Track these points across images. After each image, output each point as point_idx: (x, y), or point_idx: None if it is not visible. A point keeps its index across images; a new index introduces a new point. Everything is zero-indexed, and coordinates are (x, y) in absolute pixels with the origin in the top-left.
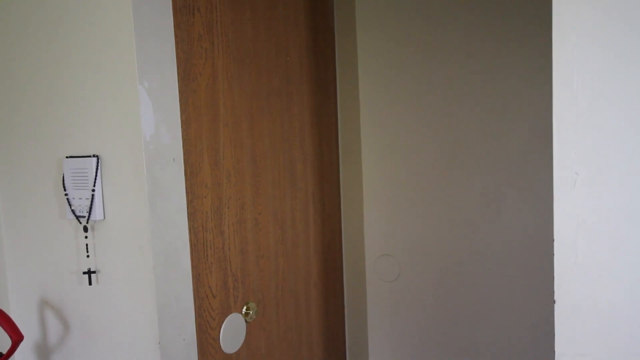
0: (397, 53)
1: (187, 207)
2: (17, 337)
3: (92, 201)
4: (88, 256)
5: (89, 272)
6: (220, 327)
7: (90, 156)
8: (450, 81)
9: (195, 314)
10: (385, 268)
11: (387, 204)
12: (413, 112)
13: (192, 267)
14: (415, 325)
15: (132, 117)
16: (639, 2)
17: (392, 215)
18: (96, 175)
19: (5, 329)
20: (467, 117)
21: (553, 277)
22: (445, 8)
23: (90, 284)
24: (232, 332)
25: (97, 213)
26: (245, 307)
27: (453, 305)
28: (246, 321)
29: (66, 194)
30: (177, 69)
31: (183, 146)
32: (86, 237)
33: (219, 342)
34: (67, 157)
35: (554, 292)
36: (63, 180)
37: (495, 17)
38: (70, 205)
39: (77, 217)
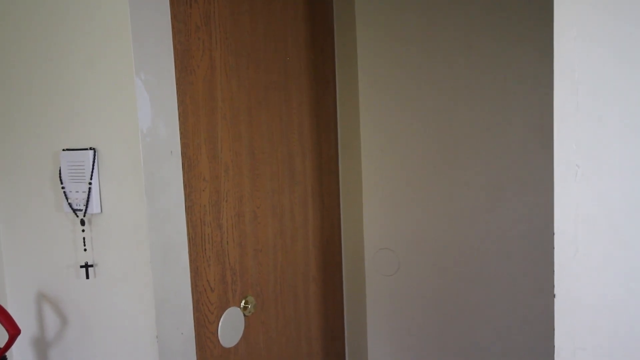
0: (396, 47)
1: (185, 201)
2: (14, 331)
3: (89, 194)
4: (85, 250)
5: (86, 266)
6: (219, 321)
7: (87, 149)
8: (449, 75)
9: (194, 307)
10: (385, 262)
11: (386, 198)
12: (412, 107)
13: (190, 260)
14: (414, 319)
15: (129, 110)
16: None
17: (391, 209)
18: (93, 168)
19: (2, 323)
20: (467, 111)
21: (553, 271)
22: (444, 2)
23: (87, 277)
24: (231, 326)
25: (94, 206)
26: (243, 301)
27: (452, 299)
28: (244, 315)
29: (63, 187)
30: (175, 61)
31: (181, 139)
32: (83, 230)
33: (217, 336)
34: (63, 149)
35: (554, 285)
36: (60, 173)
37: (494, 10)
38: (67, 198)
39: (74, 211)
